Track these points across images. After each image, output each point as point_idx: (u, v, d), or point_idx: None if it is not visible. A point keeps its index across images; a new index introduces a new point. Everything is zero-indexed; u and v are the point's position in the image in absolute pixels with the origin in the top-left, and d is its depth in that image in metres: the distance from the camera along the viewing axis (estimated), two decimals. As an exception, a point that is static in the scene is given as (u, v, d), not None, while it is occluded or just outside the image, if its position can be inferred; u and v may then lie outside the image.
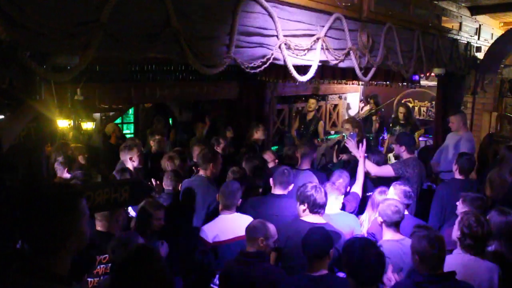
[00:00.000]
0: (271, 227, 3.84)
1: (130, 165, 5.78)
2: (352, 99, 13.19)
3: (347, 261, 3.13)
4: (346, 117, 12.47)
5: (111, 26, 3.11)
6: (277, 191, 4.87)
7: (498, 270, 3.77)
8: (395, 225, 4.23)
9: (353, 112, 13.06)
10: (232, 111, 9.72)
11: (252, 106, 9.43)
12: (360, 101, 12.93)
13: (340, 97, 12.76)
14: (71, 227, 2.10)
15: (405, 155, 6.11)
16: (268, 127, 9.30)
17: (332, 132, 11.42)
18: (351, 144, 5.93)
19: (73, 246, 2.12)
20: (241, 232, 4.04)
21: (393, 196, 4.80)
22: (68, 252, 2.11)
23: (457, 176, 5.89)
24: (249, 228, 3.86)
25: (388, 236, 4.25)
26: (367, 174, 5.85)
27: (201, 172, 5.36)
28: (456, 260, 3.80)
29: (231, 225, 4.39)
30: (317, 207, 4.24)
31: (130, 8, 3.27)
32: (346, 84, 10.81)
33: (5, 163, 2.88)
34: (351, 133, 6.55)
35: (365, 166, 5.79)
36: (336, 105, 12.81)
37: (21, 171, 3.16)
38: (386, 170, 6.06)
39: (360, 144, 5.78)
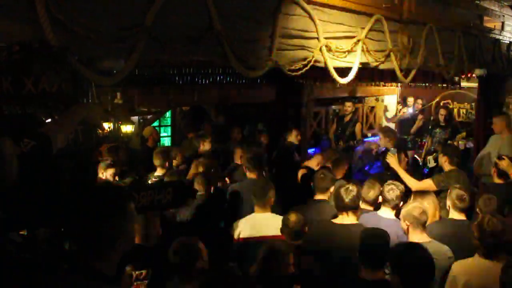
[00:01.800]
0: None
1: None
2: (389, 101, 13.04)
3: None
4: (383, 119, 12.37)
5: (155, 30, 3.16)
6: (317, 196, 4.83)
7: None
8: (423, 225, 4.10)
9: (390, 114, 12.92)
10: (269, 114, 9.74)
11: (289, 109, 9.40)
12: (398, 103, 12.77)
13: (377, 99, 12.64)
14: (121, 228, 2.12)
15: (447, 166, 5.94)
16: (304, 130, 9.25)
17: (369, 134, 11.31)
18: (392, 161, 5.79)
19: (121, 247, 2.14)
20: (269, 232, 4.12)
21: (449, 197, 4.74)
22: (116, 253, 2.14)
23: (496, 179, 5.75)
24: None
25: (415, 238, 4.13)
26: None
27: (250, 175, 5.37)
28: (474, 264, 3.73)
29: (260, 223, 4.40)
30: None
31: (174, 12, 3.32)
32: (383, 86, 10.71)
33: (54, 166, 2.94)
34: (392, 149, 6.39)
35: (405, 180, 5.65)
36: (373, 107, 12.68)
37: (69, 174, 3.22)
38: (427, 185, 5.87)
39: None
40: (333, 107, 11.24)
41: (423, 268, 3.09)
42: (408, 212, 4.10)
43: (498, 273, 3.47)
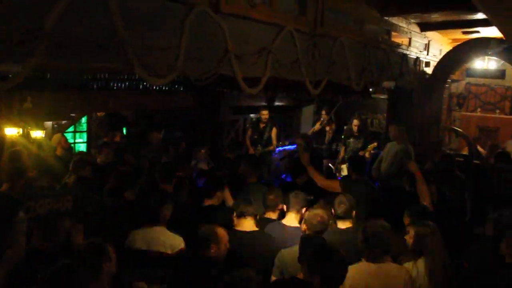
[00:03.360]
0: None
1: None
2: (307, 110, 13.34)
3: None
4: (301, 127, 12.65)
5: (56, 35, 3.07)
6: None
7: (408, 274, 3.87)
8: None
9: (308, 123, 13.21)
10: (187, 121, 9.72)
11: (207, 116, 9.45)
12: (315, 113, 13.10)
13: (295, 108, 12.89)
14: (8, 239, 2.06)
15: (353, 175, 6.22)
16: (222, 137, 9.33)
17: (287, 143, 11.51)
18: (303, 158, 6.02)
19: (10, 259, 2.07)
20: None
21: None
22: (3, 265, 2.07)
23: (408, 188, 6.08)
24: None
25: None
26: None
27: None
28: (358, 268, 3.85)
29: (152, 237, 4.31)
30: None
31: (76, 18, 3.24)
32: (301, 95, 10.95)
33: None
34: (305, 145, 6.64)
35: (314, 177, 5.91)
36: (291, 116, 12.93)
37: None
38: (334, 185, 6.14)
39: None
40: (252, 115, 11.35)
41: (341, 267, 3.27)
42: (307, 219, 4.23)
43: (382, 275, 3.67)
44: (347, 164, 6.61)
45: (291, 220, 4.68)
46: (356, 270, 3.81)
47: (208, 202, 4.96)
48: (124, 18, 3.45)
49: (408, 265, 4.12)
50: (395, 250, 4.04)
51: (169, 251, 4.01)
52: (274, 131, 9.83)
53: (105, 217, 4.27)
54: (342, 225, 4.70)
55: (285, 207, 4.86)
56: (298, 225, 4.64)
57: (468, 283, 4.32)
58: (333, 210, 4.73)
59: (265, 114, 9.77)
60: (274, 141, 9.82)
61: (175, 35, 3.90)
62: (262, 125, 9.81)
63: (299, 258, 3.63)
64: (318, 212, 4.29)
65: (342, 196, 4.80)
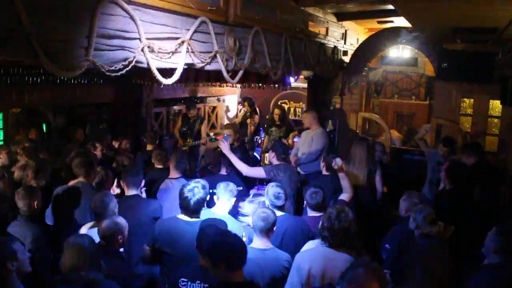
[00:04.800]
0: None
1: None
2: (230, 101, 13.44)
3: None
4: (225, 119, 12.72)
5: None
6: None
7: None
8: (265, 233, 4.24)
9: (231, 114, 13.32)
10: (110, 115, 9.56)
11: (129, 109, 9.33)
12: (238, 103, 13.23)
13: (218, 100, 12.96)
14: None
15: (274, 161, 6.42)
16: (145, 130, 9.23)
17: (212, 134, 11.58)
18: (223, 146, 6.16)
19: None
20: None
21: (267, 196, 5.05)
22: None
23: (324, 172, 6.35)
24: None
25: (256, 244, 4.30)
26: None
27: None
28: (316, 252, 4.07)
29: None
30: None
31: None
32: (224, 86, 11.04)
33: None
34: (225, 135, 6.76)
35: (237, 165, 6.08)
36: (214, 107, 12.98)
37: None
38: (258, 172, 6.37)
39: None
40: (175, 107, 11.30)
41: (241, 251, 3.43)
42: (253, 217, 4.31)
43: (340, 260, 3.84)
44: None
45: (221, 209, 4.91)
46: (315, 254, 3.97)
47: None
48: (28, 9, 3.36)
49: None
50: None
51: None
52: (204, 124, 10.11)
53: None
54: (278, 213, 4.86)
55: (215, 197, 5.00)
56: (227, 214, 4.87)
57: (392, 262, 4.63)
58: (267, 202, 4.97)
59: (193, 113, 9.86)
60: (204, 135, 9.95)
61: (85, 26, 3.83)
62: (192, 118, 9.89)
63: (199, 249, 3.78)
64: (260, 209, 4.41)
65: (277, 188, 5.01)
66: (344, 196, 5.68)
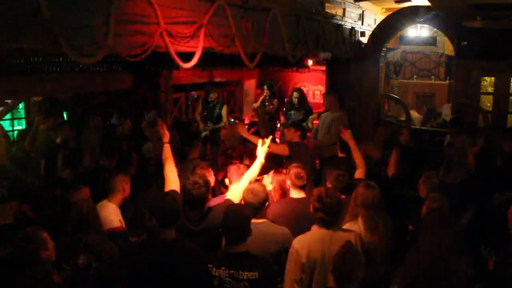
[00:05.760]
0: None
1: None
2: (249, 85, 13.42)
3: None
4: (244, 103, 12.74)
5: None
6: None
7: (356, 239, 4.09)
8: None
9: (250, 98, 13.32)
10: (129, 101, 9.63)
11: (148, 96, 9.39)
12: (257, 87, 13.21)
13: (237, 84, 12.95)
14: None
15: (296, 139, 6.45)
16: (165, 116, 9.30)
17: (231, 119, 11.61)
18: (241, 129, 6.22)
19: None
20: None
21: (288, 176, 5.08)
22: None
23: (340, 154, 6.34)
24: None
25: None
26: None
27: None
28: (313, 235, 4.07)
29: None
30: None
31: (-5, -3, 3.16)
32: (242, 70, 11.04)
33: None
34: (242, 118, 6.83)
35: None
36: (233, 91, 12.99)
37: None
38: (282, 148, 6.43)
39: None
40: (193, 92, 11.34)
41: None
42: (244, 194, 4.35)
43: (336, 241, 3.85)
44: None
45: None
46: (311, 237, 3.99)
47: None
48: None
49: (351, 225, 4.35)
50: None
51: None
52: (224, 109, 10.00)
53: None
54: (296, 195, 4.90)
55: (226, 180, 5.02)
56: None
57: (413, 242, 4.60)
58: (288, 181, 4.96)
59: (212, 97, 9.86)
60: (225, 119, 9.93)
61: (103, 12, 3.86)
62: (212, 102, 9.88)
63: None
64: (252, 187, 4.42)
65: (298, 168, 5.00)
66: (359, 173, 5.62)
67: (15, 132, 9.83)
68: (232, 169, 5.10)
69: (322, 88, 12.93)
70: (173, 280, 3.52)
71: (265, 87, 11.45)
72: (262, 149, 4.82)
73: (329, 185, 4.91)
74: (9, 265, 3.20)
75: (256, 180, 4.80)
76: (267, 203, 4.38)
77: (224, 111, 10.00)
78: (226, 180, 5.14)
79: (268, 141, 4.99)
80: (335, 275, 3.45)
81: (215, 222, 4.01)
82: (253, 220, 3.97)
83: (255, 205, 4.24)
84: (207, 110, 10.00)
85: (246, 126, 6.45)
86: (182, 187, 4.37)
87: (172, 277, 3.52)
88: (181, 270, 3.54)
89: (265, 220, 4.33)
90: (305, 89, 12.95)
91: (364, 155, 5.90)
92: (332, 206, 4.01)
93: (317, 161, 7.57)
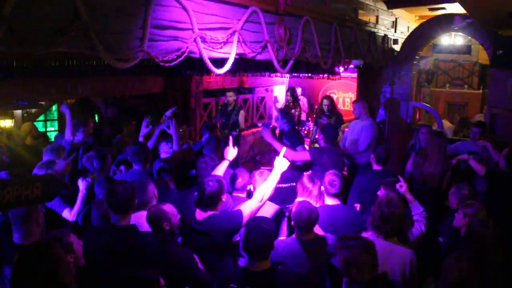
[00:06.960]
0: None
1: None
2: (278, 91, 13.41)
3: None
4: (273, 109, 12.71)
5: (14, 21, 3.03)
6: None
7: (412, 257, 3.96)
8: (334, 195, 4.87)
9: (280, 104, 13.29)
10: (159, 105, 9.69)
11: (178, 100, 9.44)
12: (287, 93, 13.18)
13: (266, 90, 12.95)
14: None
15: (321, 143, 6.38)
16: (194, 121, 9.35)
17: (260, 124, 11.58)
18: (265, 133, 6.20)
19: None
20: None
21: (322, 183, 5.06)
22: None
23: (375, 166, 6.09)
24: None
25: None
26: None
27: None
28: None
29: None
30: None
31: (35, 3, 3.20)
32: (272, 76, 11.01)
33: None
34: (266, 122, 6.80)
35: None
36: (263, 98, 12.98)
37: None
38: (303, 155, 6.34)
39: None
40: (223, 98, 11.35)
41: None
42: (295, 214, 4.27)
43: (390, 253, 3.80)
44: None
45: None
46: None
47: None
48: (86, 1, 3.44)
49: None
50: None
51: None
52: (241, 115, 9.74)
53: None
54: (331, 202, 4.88)
55: (251, 186, 5.01)
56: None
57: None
58: (323, 188, 4.93)
59: (230, 95, 9.67)
60: (242, 125, 9.76)
61: (140, 17, 3.89)
62: (230, 108, 9.73)
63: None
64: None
65: (333, 176, 4.95)
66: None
67: (49, 133, 9.99)
68: (256, 175, 5.08)
69: (352, 96, 12.82)
70: (125, 265, 3.63)
71: (288, 93, 11.42)
72: (279, 160, 4.61)
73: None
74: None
75: None
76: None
77: (241, 117, 9.76)
78: (251, 187, 5.11)
79: (282, 151, 4.95)
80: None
81: (217, 226, 4.15)
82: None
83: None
84: (225, 116, 9.81)
85: (277, 130, 6.34)
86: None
87: (124, 261, 3.66)
88: (132, 255, 3.70)
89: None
90: (335, 96, 12.90)
91: None
92: (392, 217, 3.94)
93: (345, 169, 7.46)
